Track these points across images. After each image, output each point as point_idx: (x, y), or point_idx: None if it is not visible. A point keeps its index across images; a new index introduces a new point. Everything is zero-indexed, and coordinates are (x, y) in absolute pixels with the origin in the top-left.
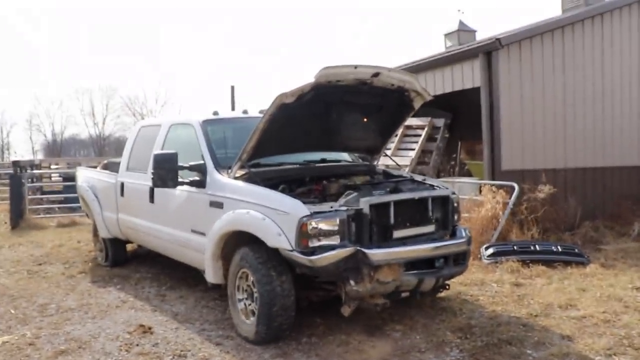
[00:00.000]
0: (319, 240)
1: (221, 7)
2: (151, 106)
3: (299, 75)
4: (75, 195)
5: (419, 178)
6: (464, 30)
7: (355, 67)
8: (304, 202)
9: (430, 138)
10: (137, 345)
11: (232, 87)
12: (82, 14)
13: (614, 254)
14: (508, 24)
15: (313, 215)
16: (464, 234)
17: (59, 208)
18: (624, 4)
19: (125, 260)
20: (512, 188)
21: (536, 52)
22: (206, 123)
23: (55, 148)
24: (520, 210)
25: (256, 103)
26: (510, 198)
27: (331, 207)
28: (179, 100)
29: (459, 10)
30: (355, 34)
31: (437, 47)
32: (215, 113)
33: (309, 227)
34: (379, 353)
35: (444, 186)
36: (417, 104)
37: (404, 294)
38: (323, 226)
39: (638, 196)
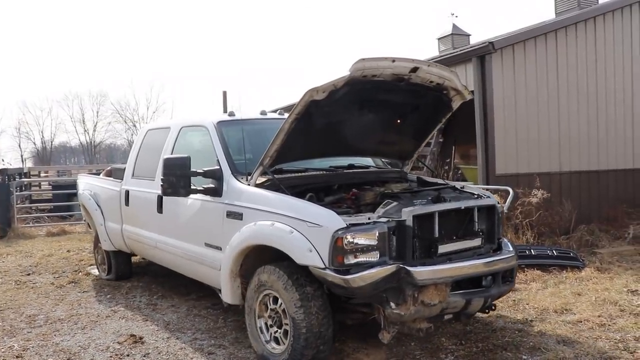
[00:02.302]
0: (356, 256)
1: (214, 11)
2: (142, 112)
3: (292, 82)
4: (65, 203)
5: (458, 185)
6: (457, 34)
7: (393, 60)
8: (338, 213)
9: None
10: (128, 355)
11: (225, 93)
12: (71, 18)
13: (609, 257)
14: (502, 28)
15: (349, 228)
16: (510, 248)
17: (48, 217)
18: (616, 7)
19: (130, 274)
20: (507, 192)
21: (530, 56)
22: (221, 125)
23: (45, 156)
24: (515, 215)
25: (248, 109)
26: (504, 202)
27: (369, 219)
28: (170, 106)
29: (452, 14)
30: (348, 37)
31: (430, 51)
32: (231, 114)
33: (345, 242)
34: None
35: (486, 194)
36: (456, 103)
37: (446, 317)
38: (360, 240)
39: (633, 199)
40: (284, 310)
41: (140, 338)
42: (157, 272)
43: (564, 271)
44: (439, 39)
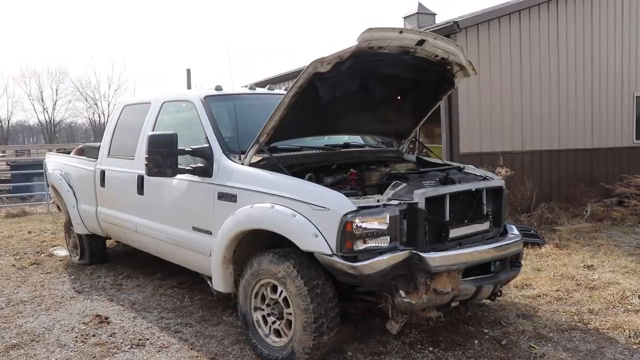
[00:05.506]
0: (365, 242)
1: None
2: (104, 90)
3: (251, 58)
4: (25, 184)
5: (459, 166)
6: (423, 13)
7: (401, 31)
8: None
9: None
10: (94, 335)
11: (188, 70)
12: None
13: (567, 234)
14: (469, 7)
15: (359, 211)
16: (515, 231)
17: (7, 198)
18: None
19: (105, 258)
20: None
21: (494, 36)
22: (209, 99)
23: (2, 135)
24: None
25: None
26: None
27: (378, 201)
28: (132, 84)
29: None
30: (309, 15)
31: None
32: (219, 88)
33: (354, 226)
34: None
35: (491, 176)
36: (459, 80)
37: (453, 304)
38: (370, 225)
39: (591, 178)
40: (285, 301)
41: (106, 318)
42: (121, 252)
43: (525, 248)
44: (404, 17)
